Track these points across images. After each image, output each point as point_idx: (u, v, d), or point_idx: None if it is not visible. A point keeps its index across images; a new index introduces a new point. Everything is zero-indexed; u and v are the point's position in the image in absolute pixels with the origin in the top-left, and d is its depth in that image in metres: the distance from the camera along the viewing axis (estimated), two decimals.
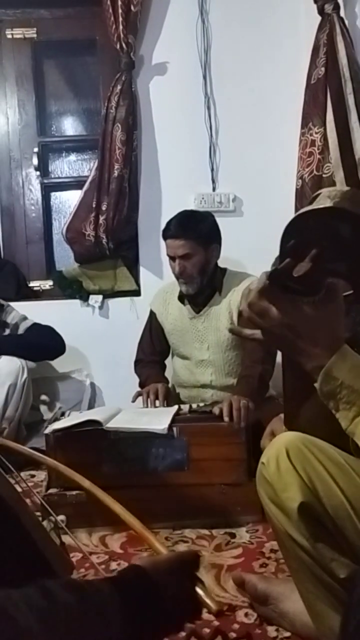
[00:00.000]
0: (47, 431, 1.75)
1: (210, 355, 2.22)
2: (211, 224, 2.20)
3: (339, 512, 0.92)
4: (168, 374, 2.41)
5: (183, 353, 2.29)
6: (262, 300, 0.88)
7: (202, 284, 2.17)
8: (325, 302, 0.85)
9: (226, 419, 1.75)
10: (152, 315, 2.39)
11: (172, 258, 2.17)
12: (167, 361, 2.44)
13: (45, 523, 1.09)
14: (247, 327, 0.95)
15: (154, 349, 2.38)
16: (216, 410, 1.80)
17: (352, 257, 0.84)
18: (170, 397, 2.21)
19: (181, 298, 2.27)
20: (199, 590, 0.68)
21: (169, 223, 2.18)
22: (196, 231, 2.14)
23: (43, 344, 2.44)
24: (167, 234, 2.17)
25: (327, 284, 0.85)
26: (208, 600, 0.68)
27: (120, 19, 2.60)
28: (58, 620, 0.52)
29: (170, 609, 0.63)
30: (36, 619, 0.50)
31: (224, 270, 2.26)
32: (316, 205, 0.82)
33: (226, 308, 2.18)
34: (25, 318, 2.53)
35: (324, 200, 0.82)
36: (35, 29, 2.94)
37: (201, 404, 2.03)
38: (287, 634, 1.15)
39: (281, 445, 1.00)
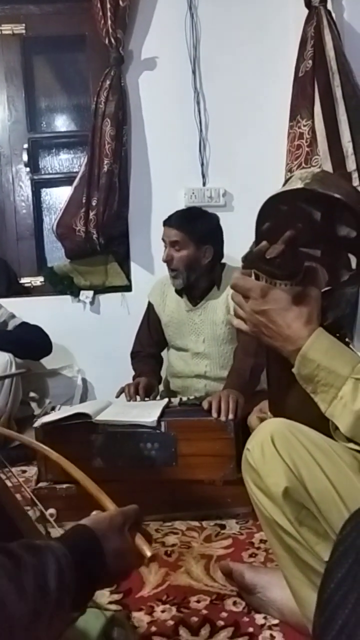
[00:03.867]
0: (36, 424, 1.74)
1: (206, 348, 2.21)
2: (211, 225, 2.20)
3: (324, 496, 0.93)
4: (165, 367, 2.40)
5: (179, 345, 2.29)
6: (236, 295, 0.90)
7: (189, 280, 2.17)
8: (301, 286, 0.85)
9: (214, 414, 1.72)
10: (149, 306, 2.38)
11: (165, 245, 2.18)
12: (164, 354, 2.43)
13: (31, 512, 1.09)
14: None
15: (151, 340, 2.37)
16: (205, 404, 1.78)
17: (324, 238, 0.84)
18: (153, 391, 2.21)
19: (179, 290, 2.27)
20: (137, 540, 0.78)
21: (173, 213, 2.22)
22: (191, 225, 2.14)
23: (31, 342, 2.44)
24: (166, 221, 2.20)
25: (305, 268, 0.85)
26: (144, 547, 0.78)
27: (109, 13, 2.59)
28: (25, 579, 0.57)
29: (113, 560, 0.72)
30: (7, 580, 0.55)
31: (223, 265, 2.26)
32: (288, 186, 0.82)
33: (224, 302, 2.17)
34: (14, 316, 2.52)
35: (296, 181, 0.82)
36: (24, 24, 2.92)
37: (191, 397, 2.03)
38: (275, 621, 1.16)
39: (266, 431, 1.00)
